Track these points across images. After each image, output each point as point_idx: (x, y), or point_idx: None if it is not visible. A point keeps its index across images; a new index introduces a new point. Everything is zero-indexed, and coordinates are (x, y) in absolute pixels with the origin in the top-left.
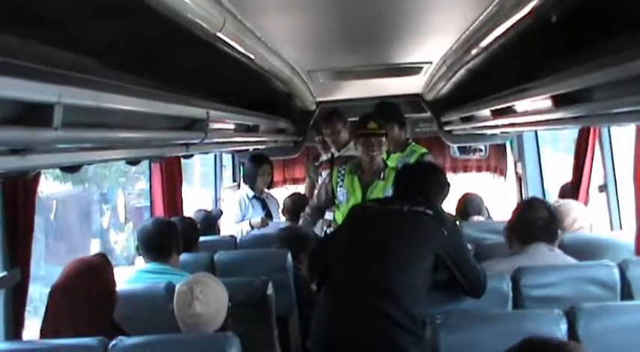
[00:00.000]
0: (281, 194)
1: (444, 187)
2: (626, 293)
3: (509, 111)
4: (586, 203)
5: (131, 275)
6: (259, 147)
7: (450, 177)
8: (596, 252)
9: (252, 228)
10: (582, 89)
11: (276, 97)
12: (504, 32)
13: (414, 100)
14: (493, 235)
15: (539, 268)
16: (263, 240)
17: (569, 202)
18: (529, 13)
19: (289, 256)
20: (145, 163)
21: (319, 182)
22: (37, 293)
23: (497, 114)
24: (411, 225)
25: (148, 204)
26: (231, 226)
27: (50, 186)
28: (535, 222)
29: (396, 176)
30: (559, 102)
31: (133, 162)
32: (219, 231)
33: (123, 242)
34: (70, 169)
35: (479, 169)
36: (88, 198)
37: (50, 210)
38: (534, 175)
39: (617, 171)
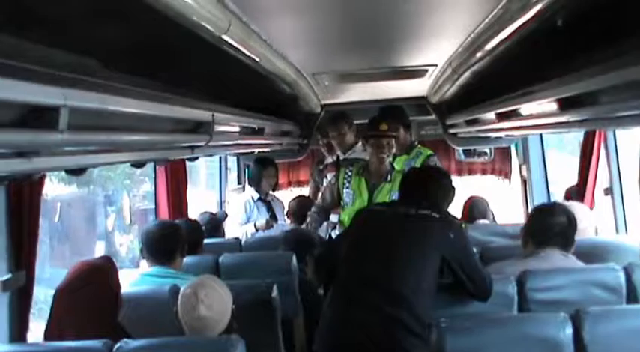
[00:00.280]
0: (285, 196)
1: (450, 191)
2: (632, 297)
3: (514, 114)
4: (591, 206)
5: (135, 279)
6: (264, 149)
7: (455, 179)
8: (601, 255)
9: (257, 230)
10: (588, 92)
11: (281, 100)
12: (510, 35)
13: (420, 103)
14: (498, 238)
15: (544, 271)
16: (268, 242)
17: (574, 205)
18: (534, 16)
19: (294, 259)
20: (150, 165)
21: (324, 185)
22: (42, 296)
23: (502, 117)
24: (417, 228)
25: (153, 206)
26: (235, 228)
27: (55, 189)
28: (551, 227)
29: (403, 179)
30: (564, 105)
31: (139, 164)
32: (223, 233)
33: (128, 244)
34: (76, 172)
35: (484, 172)
36: (93, 200)
37: (55, 213)
38: (539, 178)
39: (623, 174)
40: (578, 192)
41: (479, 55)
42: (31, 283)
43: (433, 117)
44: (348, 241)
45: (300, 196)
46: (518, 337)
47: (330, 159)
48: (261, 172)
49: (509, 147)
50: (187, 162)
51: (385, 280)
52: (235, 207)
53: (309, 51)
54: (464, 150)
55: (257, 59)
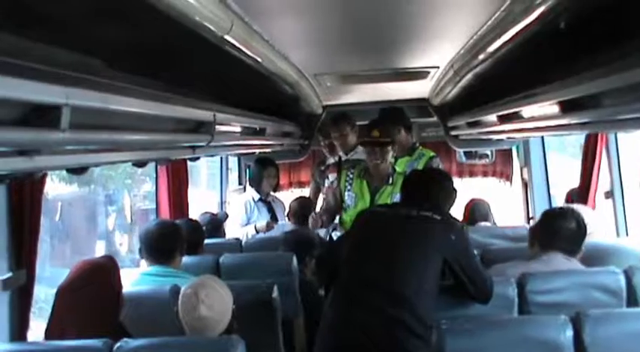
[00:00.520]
0: (287, 197)
1: (451, 193)
2: (632, 300)
3: (516, 117)
4: (593, 209)
5: (135, 278)
6: (265, 150)
7: (456, 181)
8: (602, 259)
9: (258, 232)
10: (590, 95)
11: (283, 100)
12: (512, 37)
13: (421, 105)
14: (499, 240)
15: (545, 274)
16: (268, 243)
17: (579, 208)
18: (537, 18)
19: (294, 259)
20: (151, 165)
21: (325, 185)
22: (42, 295)
23: (504, 119)
24: (419, 230)
25: (154, 206)
26: (236, 229)
27: (56, 188)
28: (559, 230)
29: (404, 181)
30: (566, 108)
31: (140, 164)
32: (224, 233)
33: (128, 244)
34: (77, 171)
35: (485, 174)
36: (94, 199)
37: (55, 212)
38: (540, 181)
39: (624, 178)
40: (579, 195)
41: (481, 57)
42: (31, 282)
43: (434, 119)
44: (349, 242)
45: (301, 197)
46: (519, 339)
47: (331, 160)
48: (261, 173)
49: (511, 150)
50: (188, 163)
51: (387, 281)
52: (236, 207)
53: (312, 52)
54: (465, 152)
55: (259, 59)
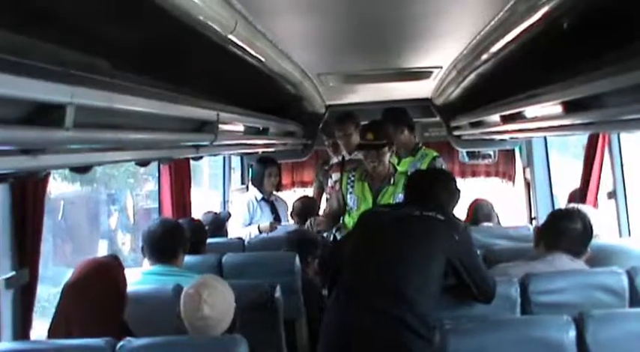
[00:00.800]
0: (289, 197)
1: (454, 194)
2: (635, 301)
3: (518, 117)
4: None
5: (137, 277)
6: (268, 149)
7: (459, 182)
8: (604, 259)
9: (261, 232)
10: (593, 95)
11: (286, 100)
12: (515, 38)
13: (424, 105)
14: (502, 241)
15: (547, 274)
16: (271, 242)
17: (583, 208)
18: (540, 19)
19: (297, 259)
20: (153, 164)
21: (329, 185)
22: (44, 294)
23: (506, 119)
24: (422, 230)
25: (156, 205)
26: (238, 229)
27: (58, 187)
28: (564, 231)
29: (407, 182)
30: (569, 108)
31: (143, 163)
32: (227, 233)
33: (131, 243)
34: (81, 170)
35: (487, 174)
36: (96, 198)
37: (58, 211)
38: (543, 181)
39: (626, 178)
40: (581, 195)
41: (484, 57)
42: (34, 281)
43: (437, 119)
44: (352, 243)
45: (304, 197)
46: (521, 340)
47: (335, 160)
48: (262, 171)
49: (513, 150)
50: (191, 162)
51: (390, 281)
52: (238, 206)
53: (315, 51)
54: (467, 153)
55: (262, 59)
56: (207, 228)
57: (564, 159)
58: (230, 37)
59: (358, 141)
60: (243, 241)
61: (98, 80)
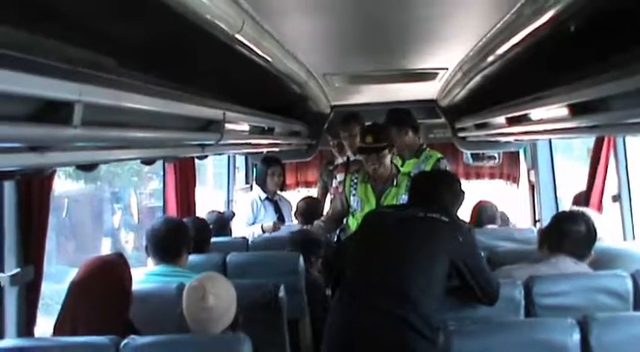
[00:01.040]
0: (293, 197)
1: (459, 195)
2: (639, 304)
3: (524, 119)
4: (598, 211)
5: (140, 278)
6: (273, 149)
7: (463, 183)
8: (608, 262)
9: (264, 232)
10: (599, 98)
11: (291, 100)
12: (522, 40)
13: (429, 106)
14: (506, 243)
15: (551, 276)
16: (275, 242)
17: (586, 211)
18: (547, 21)
19: (301, 259)
20: (158, 163)
21: (333, 185)
22: (48, 291)
23: (512, 121)
24: (426, 231)
25: (160, 204)
26: (242, 227)
27: (62, 184)
28: (568, 234)
29: (411, 183)
30: (575, 111)
31: (148, 161)
32: (231, 232)
33: (134, 242)
34: (86, 168)
35: (492, 176)
36: (100, 196)
37: (62, 209)
38: (547, 183)
39: (631, 181)
40: (585, 198)
41: (490, 59)
42: (39, 278)
43: (442, 120)
44: (356, 243)
45: (308, 197)
46: (526, 342)
47: (340, 160)
48: (266, 171)
49: (518, 152)
50: (196, 161)
51: (393, 282)
52: (243, 206)
53: (321, 52)
54: (472, 154)
55: (269, 59)
56: (211, 227)
57: (569, 161)
58: (237, 36)
59: (358, 145)
60: (247, 240)
61: (105, 78)
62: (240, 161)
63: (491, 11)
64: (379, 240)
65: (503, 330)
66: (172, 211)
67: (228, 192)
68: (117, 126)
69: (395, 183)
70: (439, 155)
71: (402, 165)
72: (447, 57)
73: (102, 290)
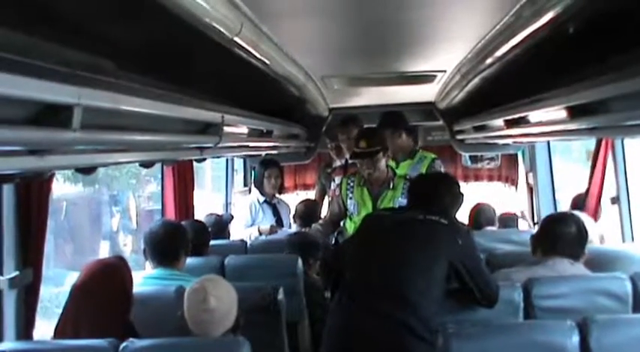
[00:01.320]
0: (292, 200)
1: (458, 198)
2: (638, 306)
3: (522, 122)
4: (596, 213)
5: (138, 281)
6: (272, 152)
7: (461, 186)
8: (608, 264)
9: (261, 234)
10: (598, 100)
11: (290, 103)
12: (520, 42)
13: (427, 108)
14: (505, 245)
15: (550, 279)
16: (273, 244)
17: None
18: (546, 23)
19: (300, 262)
20: (156, 166)
21: (332, 187)
22: (47, 294)
23: (510, 124)
24: (425, 233)
25: (158, 207)
26: (240, 230)
27: (61, 188)
28: (560, 235)
29: (410, 186)
30: (574, 113)
31: (147, 164)
32: (229, 235)
33: (133, 245)
34: (85, 171)
35: (490, 178)
36: (98, 199)
37: (60, 212)
38: (546, 185)
39: (630, 183)
40: (585, 201)
41: (488, 61)
42: (37, 281)
43: (440, 122)
44: (354, 246)
45: (307, 200)
46: (525, 344)
47: (338, 163)
48: (263, 173)
49: (517, 154)
50: (194, 164)
51: (392, 285)
52: (241, 209)
53: (319, 54)
54: (470, 157)
55: (267, 62)
56: (209, 229)
57: (567, 164)
58: (235, 39)
59: (353, 150)
60: (246, 243)
61: (104, 81)
62: (239, 164)
63: (489, 13)
64: (378, 243)
65: (503, 333)
66: (171, 214)
67: (226, 194)
68: (116, 129)
69: (391, 186)
70: (433, 155)
71: (396, 168)
72: (445, 59)
73: (104, 293)
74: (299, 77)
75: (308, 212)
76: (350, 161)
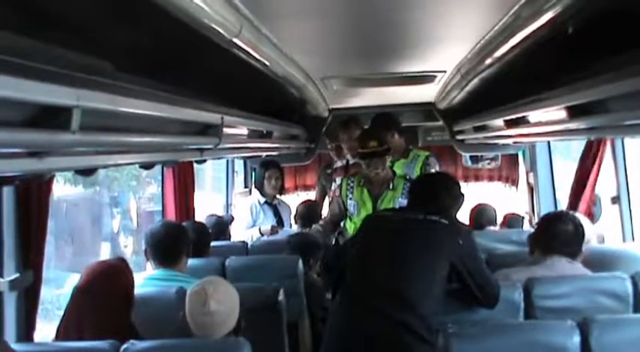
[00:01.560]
0: (293, 200)
1: (458, 198)
2: (639, 306)
3: (522, 122)
4: (589, 212)
5: (139, 283)
6: (272, 153)
7: (462, 186)
8: (608, 264)
9: (262, 234)
10: (597, 100)
11: (290, 104)
12: (520, 42)
13: (427, 109)
14: (505, 245)
15: (551, 278)
16: (274, 245)
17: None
18: (545, 23)
19: (300, 262)
20: (157, 167)
21: (332, 188)
22: (47, 296)
23: (510, 124)
24: (426, 234)
25: (159, 208)
26: (240, 231)
27: (61, 189)
28: (558, 234)
29: (411, 186)
30: (574, 113)
31: (147, 166)
32: (230, 236)
33: (133, 246)
34: (85, 172)
35: (490, 179)
36: (99, 201)
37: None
38: (546, 185)
39: (630, 182)
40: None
41: (488, 61)
42: (38, 283)
43: (440, 123)
44: (355, 246)
45: (308, 201)
46: (525, 344)
47: (339, 163)
48: (263, 174)
49: (517, 154)
50: (194, 165)
51: (393, 285)
52: (242, 210)
53: (319, 55)
54: (471, 157)
55: (267, 63)
56: (210, 231)
57: (567, 163)
58: (235, 40)
59: (359, 150)
60: (246, 244)
61: (104, 83)
62: (239, 165)
63: (489, 13)
64: (379, 243)
65: (503, 332)
66: (171, 215)
67: (227, 196)
68: (115, 130)
69: (391, 186)
70: (427, 153)
71: (391, 167)
72: (445, 59)
73: (105, 294)
74: (299, 78)
75: (308, 213)
76: (353, 161)
